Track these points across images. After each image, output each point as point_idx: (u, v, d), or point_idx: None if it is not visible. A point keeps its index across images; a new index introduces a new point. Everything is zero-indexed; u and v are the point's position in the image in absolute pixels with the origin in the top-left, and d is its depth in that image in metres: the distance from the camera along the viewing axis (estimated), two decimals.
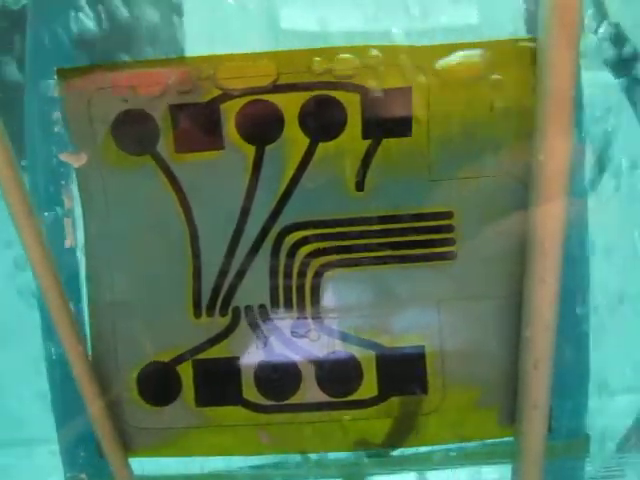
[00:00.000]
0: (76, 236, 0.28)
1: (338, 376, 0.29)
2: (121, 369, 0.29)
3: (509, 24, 0.28)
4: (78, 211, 0.28)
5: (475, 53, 0.27)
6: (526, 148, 0.27)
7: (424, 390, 0.29)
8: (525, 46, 0.26)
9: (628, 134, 0.32)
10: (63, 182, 0.28)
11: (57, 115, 0.27)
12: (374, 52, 0.27)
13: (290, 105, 0.27)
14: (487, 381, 0.29)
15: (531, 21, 0.28)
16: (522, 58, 0.27)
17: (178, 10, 0.33)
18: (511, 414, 0.29)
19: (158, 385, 0.29)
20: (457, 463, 0.30)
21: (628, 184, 0.31)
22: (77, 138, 0.28)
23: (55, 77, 0.27)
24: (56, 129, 0.27)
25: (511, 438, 0.29)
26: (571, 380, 0.30)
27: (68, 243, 0.28)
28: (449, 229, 0.28)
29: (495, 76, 0.27)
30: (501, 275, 0.28)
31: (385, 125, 0.27)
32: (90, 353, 0.29)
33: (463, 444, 0.30)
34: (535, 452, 0.28)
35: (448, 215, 0.28)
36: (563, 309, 0.27)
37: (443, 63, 0.27)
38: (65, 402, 0.29)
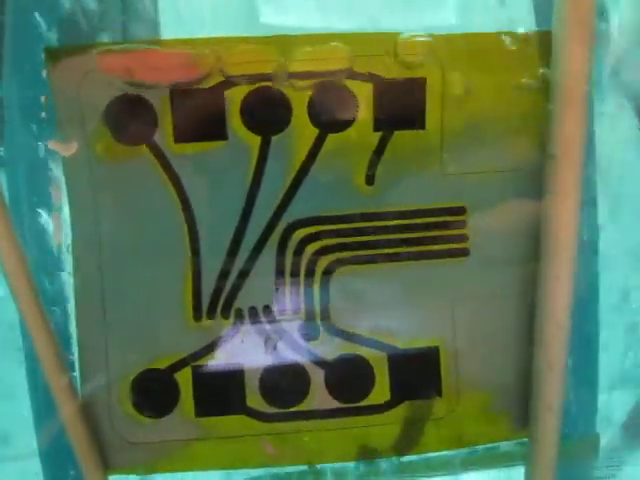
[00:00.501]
0: (64, 234, 0.26)
1: (349, 380, 0.27)
2: (113, 378, 0.27)
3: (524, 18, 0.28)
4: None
5: (490, 44, 0.26)
6: (540, 143, 0.26)
7: (438, 393, 0.28)
8: (539, 40, 0.26)
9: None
10: (50, 174, 0.25)
11: (42, 100, 0.25)
12: (388, 40, 0.26)
13: (299, 93, 0.26)
14: (500, 383, 0.28)
15: (542, 15, 0.27)
16: (537, 51, 0.26)
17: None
18: (524, 417, 0.28)
19: (154, 395, 0.27)
20: (469, 467, 0.29)
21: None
22: (65, 125, 0.25)
23: (43, 57, 0.25)
24: (42, 115, 0.25)
25: (523, 440, 0.28)
26: (580, 380, 0.29)
27: (56, 241, 0.26)
28: (462, 225, 0.27)
29: (510, 68, 0.26)
30: (515, 273, 0.27)
31: (398, 117, 0.26)
32: (77, 361, 0.26)
33: (475, 448, 0.29)
34: (549, 454, 0.28)
35: (461, 210, 0.27)
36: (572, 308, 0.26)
37: (458, 53, 0.26)
38: (49, 413, 0.26)
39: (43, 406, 0.26)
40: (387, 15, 0.30)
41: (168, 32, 0.30)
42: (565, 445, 0.28)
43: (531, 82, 0.26)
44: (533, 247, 0.27)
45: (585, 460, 0.30)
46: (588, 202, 0.28)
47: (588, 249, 0.29)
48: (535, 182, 0.27)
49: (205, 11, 0.32)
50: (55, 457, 0.27)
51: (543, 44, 0.26)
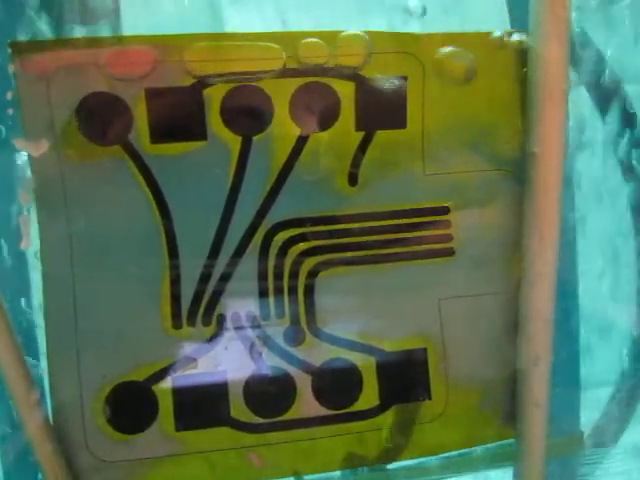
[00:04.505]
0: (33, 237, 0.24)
1: (337, 385, 0.26)
2: (85, 392, 0.25)
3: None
4: None
5: (471, 43, 0.26)
6: (521, 141, 0.27)
7: (428, 395, 0.27)
8: (517, 39, 0.26)
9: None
10: (19, 173, 0.24)
11: (11, 95, 0.23)
12: (370, 39, 0.25)
13: (281, 92, 0.25)
14: (488, 382, 0.28)
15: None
16: (516, 51, 0.26)
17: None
18: (512, 415, 0.28)
19: (131, 409, 0.25)
20: (459, 470, 0.28)
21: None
22: (32, 125, 0.24)
23: (9, 51, 0.23)
24: (10, 111, 0.23)
25: (512, 440, 0.28)
26: (563, 377, 0.29)
27: (24, 245, 0.24)
28: (446, 225, 0.27)
29: (490, 68, 0.27)
30: (500, 271, 0.27)
31: (380, 116, 0.26)
32: (46, 374, 0.25)
33: (464, 450, 0.28)
34: (537, 450, 0.27)
35: (444, 210, 0.27)
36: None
37: (439, 52, 0.26)
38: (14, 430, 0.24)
39: (7, 422, 0.24)
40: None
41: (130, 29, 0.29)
42: (550, 442, 0.28)
43: (512, 81, 0.27)
44: (517, 244, 0.27)
45: (570, 457, 0.30)
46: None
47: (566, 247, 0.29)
48: (518, 181, 0.27)
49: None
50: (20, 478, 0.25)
51: (521, 44, 0.26)
